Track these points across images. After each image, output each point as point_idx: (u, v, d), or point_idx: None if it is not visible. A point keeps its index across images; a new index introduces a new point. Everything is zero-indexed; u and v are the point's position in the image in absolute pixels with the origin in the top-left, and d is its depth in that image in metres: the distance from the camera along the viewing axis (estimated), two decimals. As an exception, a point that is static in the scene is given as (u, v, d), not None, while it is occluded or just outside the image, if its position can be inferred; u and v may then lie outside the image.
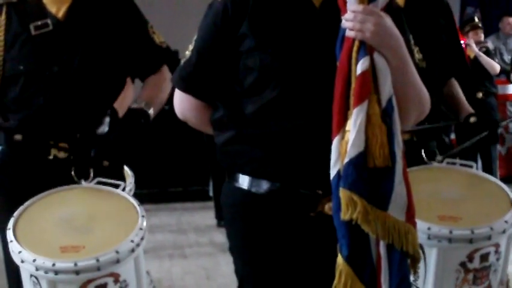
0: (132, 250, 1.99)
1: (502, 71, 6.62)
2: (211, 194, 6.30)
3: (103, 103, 2.36)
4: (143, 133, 2.31)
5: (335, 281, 1.65)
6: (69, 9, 2.32)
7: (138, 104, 2.34)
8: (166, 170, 6.95)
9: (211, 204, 6.22)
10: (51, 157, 2.28)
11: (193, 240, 5.64)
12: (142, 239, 2.04)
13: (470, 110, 2.73)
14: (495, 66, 6.52)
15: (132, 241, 2.00)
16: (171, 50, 2.54)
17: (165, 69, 2.48)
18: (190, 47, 1.88)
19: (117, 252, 1.96)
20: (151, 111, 2.34)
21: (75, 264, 1.92)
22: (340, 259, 1.65)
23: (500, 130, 6.99)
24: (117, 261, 1.96)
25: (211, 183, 6.31)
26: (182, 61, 1.91)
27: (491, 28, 8.21)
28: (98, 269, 1.94)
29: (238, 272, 1.90)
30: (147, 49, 2.43)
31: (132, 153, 2.45)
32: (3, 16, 2.33)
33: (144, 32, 2.43)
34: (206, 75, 1.86)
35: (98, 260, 1.93)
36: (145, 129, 2.30)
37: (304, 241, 1.80)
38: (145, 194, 6.49)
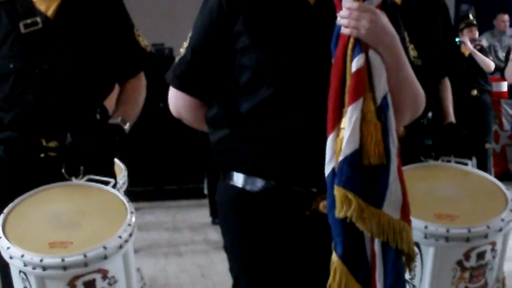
0: (120, 246, 1.99)
1: (497, 68, 6.63)
2: (206, 191, 6.29)
3: (93, 101, 2.36)
4: (119, 149, 2.32)
5: (330, 279, 1.65)
6: (59, 7, 2.32)
7: (113, 119, 2.34)
8: (161, 168, 6.95)
9: (206, 202, 6.22)
10: (42, 155, 2.27)
11: (188, 238, 5.63)
12: (130, 235, 2.03)
13: (452, 118, 2.74)
14: (490, 64, 6.53)
15: (120, 237, 1.99)
16: (153, 55, 2.54)
17: (143, 75, 2.49)
18: (185, 45, 1.87)
19: (104, 248, 1.95)
20: (127, 127, 2.34)
21: (63, 260, 1.92)
22: (334, 257, 1.64)
23: (495, 127, 7.01)
24: (105, 257, 1.95)
25: (206, 181, 6.31)
26: (176, 58, 1.90)
27: (485, 25, 8.22)
28: (86, 264, 1.93)
29: (233, 269, 1.90)
30: (130, 51, 2.43)
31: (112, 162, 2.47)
32: None
33: (130, 33, 2.44)
34: (201, 73, 1.85)
35: (85, 256, 1.93)
36: (120, 146, 2.31)
37: (298, 239, 1.79)
38: (141, 192, 6.49)
